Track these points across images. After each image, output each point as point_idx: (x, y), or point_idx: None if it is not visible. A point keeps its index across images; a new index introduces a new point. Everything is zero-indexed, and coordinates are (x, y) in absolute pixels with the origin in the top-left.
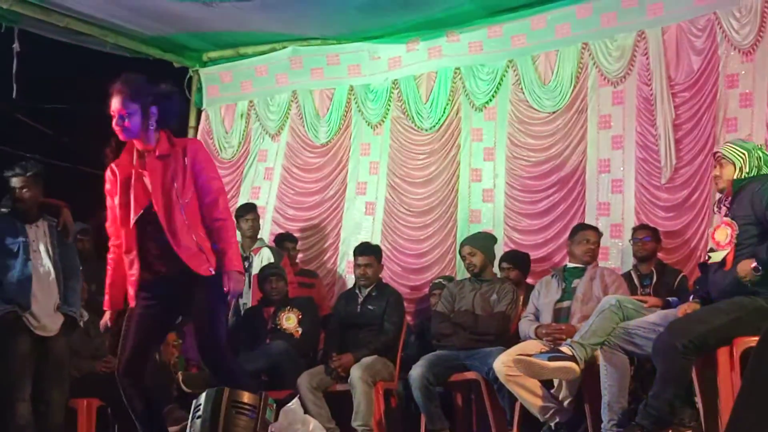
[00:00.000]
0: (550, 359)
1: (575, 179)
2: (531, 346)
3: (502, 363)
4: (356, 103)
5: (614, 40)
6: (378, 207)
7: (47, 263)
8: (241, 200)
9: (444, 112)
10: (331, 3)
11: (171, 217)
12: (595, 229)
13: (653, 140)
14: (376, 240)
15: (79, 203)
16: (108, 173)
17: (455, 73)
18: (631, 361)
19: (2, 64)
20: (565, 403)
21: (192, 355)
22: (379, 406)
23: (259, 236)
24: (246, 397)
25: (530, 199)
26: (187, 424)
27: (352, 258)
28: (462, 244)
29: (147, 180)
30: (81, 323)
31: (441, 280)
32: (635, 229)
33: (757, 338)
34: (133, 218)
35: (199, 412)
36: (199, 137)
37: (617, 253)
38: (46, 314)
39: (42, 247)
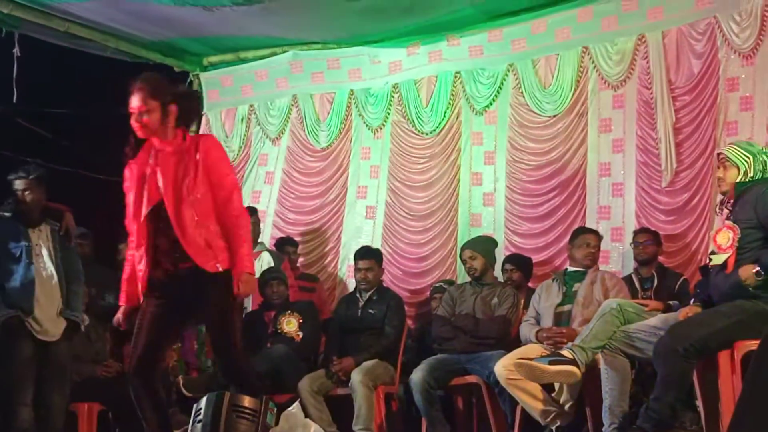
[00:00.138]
0: (551, 363)
1: (576, 183)
2: (532, 349)
3: (503, 367)
4: (357, 107)
5: (614, 44)
6: (378, 211)
7: (50, 267)
8: None
9: (444, 116)
10: (331, 7)
11: (180, 213)
12: (595, 232)
13: (654, 144)
14: (376, 244)
15: (80, 207)
16: (126, 171)
17: (456, 77)
18: (632, 364)
19: (3, 68)
20: (566, 406)
21: (191, 359)
22: (379, 409)
23: (259, 240)
24: (247, 401)
25: (531, 203)
26: (187, 428)
27: (352, 262)
28: (463, 248)
29: (159, 176)
30: (82, 327)
31: (442, 283)
32: (636, 233)
33: (758, 342)
34: (143, 213)
35: (200, 416)
36: None
37: (618, 257)
38: (48, 318)
39: (45, 251)
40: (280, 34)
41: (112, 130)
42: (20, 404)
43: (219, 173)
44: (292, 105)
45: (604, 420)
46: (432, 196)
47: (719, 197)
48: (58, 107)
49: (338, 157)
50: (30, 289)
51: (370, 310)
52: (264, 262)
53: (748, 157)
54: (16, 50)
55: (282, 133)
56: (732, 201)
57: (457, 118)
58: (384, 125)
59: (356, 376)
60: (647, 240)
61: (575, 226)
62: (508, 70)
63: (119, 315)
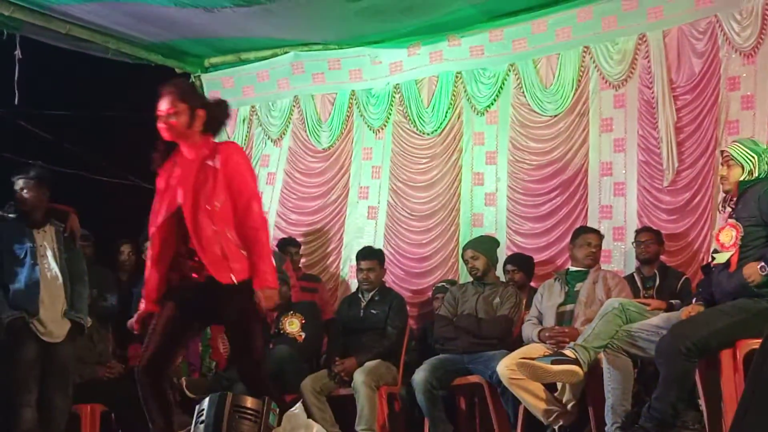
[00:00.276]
0: (553, 362)
1: (577, 182)
2: (534, 349)
3: (506, 366)
4: (358, 107)
5: (615, 44)
6: (380, 211)
7: (54, 268)
8: None
9: (446, 116)
10: (332, 8)
11: (198, 222)
12: (596, 232)
13: (655, 143)
14: (378, 244)
15: (81, 209)
16: (157, 180)
17: (457, 77)
18: (635, 363)
19: (4, 70)
20: (569, 406)
21: (194, 360)
22: (382, 410)
23: None
24: (249, 401)
25: (532, 203)
26: (190, 429)
27: (354, 262)
28: (464, 248)
29: (180, 184)
30: (86, 329)
31: (444, 283)
32: (638, 232)
33: (760, 340)
34: (160, 219)
35: (203, 417)
36: None
37: (620, 256)
38: (52, 320)
39: (49, 253)
40: (281, 35)
41: (112, 131)
42: (24, 405)
43: (239, 181)
44: (294, 106)
45: (606, 419)
46: (434, 196)
47: (721, 195)
48: (60, 109)
49: (340, 157)
50: (35, 291)
51: (373, 311)
52: None
53: (753, 157)
54: (18, 52)
55: (283, 134)
56: (735, 199)
57: (459, 118)
58: (385, 126)
59: (359, 377)
60: (649, 239)
61: (577, 226)
62: (509, 70)
63: (134, 319)
